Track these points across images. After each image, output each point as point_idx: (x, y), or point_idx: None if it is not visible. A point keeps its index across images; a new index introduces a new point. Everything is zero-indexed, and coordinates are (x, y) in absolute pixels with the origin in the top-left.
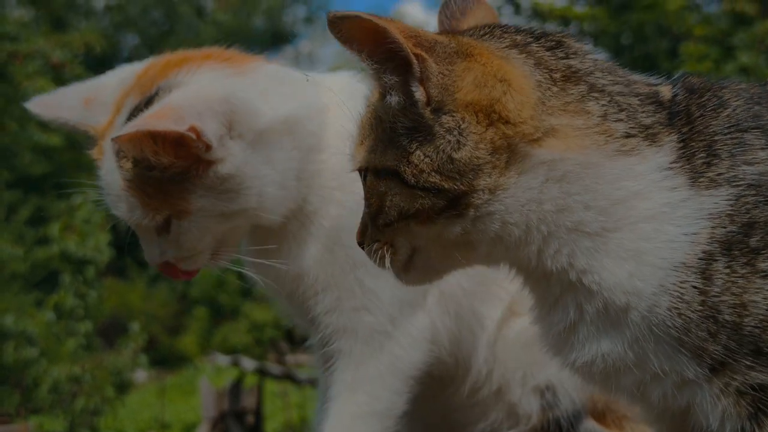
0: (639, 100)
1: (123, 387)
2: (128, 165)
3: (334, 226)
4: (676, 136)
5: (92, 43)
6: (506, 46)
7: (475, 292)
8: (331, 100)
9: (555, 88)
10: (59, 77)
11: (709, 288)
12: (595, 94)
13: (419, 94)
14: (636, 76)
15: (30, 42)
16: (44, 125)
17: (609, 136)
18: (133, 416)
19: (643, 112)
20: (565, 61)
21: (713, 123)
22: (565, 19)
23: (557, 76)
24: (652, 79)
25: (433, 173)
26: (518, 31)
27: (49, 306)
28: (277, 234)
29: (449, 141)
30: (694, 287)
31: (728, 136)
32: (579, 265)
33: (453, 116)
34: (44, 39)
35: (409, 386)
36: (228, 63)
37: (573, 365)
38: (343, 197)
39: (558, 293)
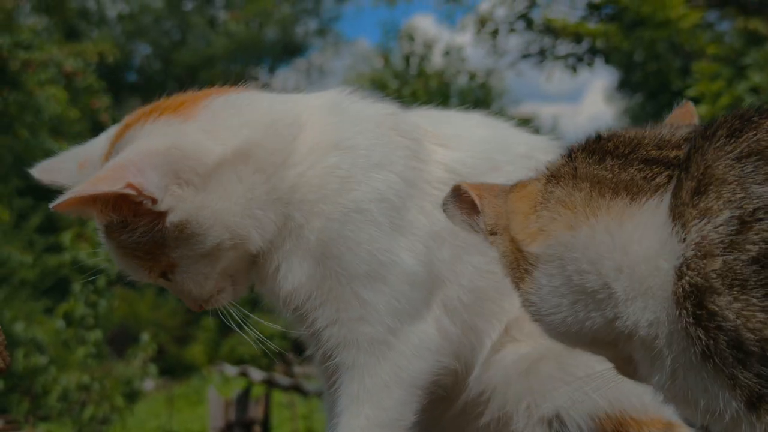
0: (603, 161)
1: (132, 396)
2: (103, 232)
3: (322, 239)
4: (674, 176)
5: (105, 52)
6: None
7: (474, 307)
8: (310, 117)
9: (545, 196)
10: (71, 86)
11: (719, 323)
12: (568, 180)
13: (482, 223)
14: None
15: (43, 50)
16: (57, 132)
17: (569, 209)
18: (140, 425)
19: (626, 172)
20: (561, 167)
21: (722, 149)
22: (577, 36)
23: (548, 181)
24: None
25: None
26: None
27: (59, 314)
28: (271, 254)
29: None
30: (697, 321)
31: (742, 161)
32: (625, 316)
33: (499, 236)
34: (57, 48)
35: (417, 396)
36: (174, 112)
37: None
38: (327, 208)
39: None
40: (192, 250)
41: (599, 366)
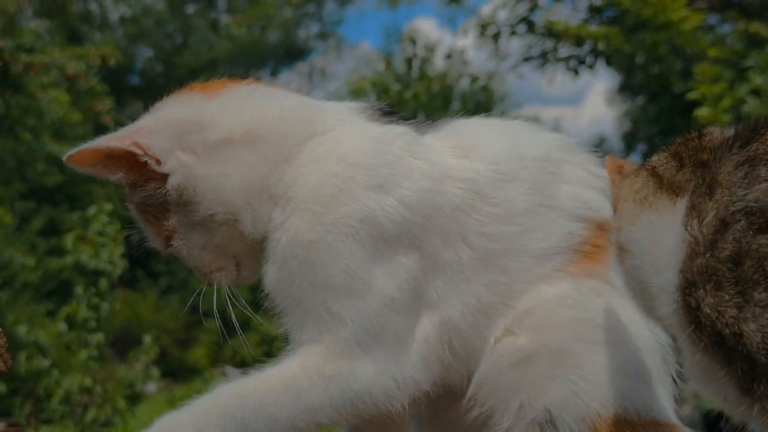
0: (674, 160)
1: (134, 399)
2: (126, 196)
3: (300, 241)
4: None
5: (108, 55)
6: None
7: (481, 320)
8: (328, 124)
9: (634, 187)
10: (74, 89)
11: (699, 317)
12: (647, 176)
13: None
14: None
15: (45, 54)
16: (59, 136)
17: (637, 203)
18: (142, 427)
19: (679, 173)
20: (651, 161)
21: (731, 157)
22: (579, 39)
23: None
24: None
25: None
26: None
27: (61, 317)
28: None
29: None
30: (687, 316)
31: (738, 167)
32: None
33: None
34: (59, 51)
35: (344, 415)
36: (199, 90)
37: None
38: (317, 208)
39: None
40: (187, 217)
41: (595, 368)
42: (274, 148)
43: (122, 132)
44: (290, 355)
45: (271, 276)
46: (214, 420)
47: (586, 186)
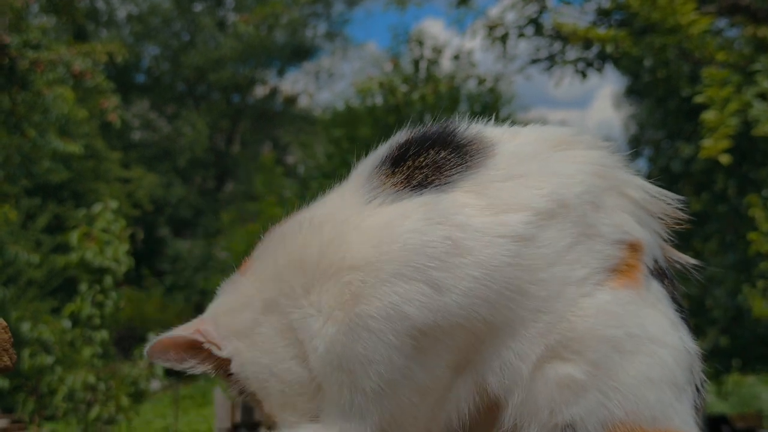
0: None
1: (138, 396)
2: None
3: (332, 351)
4: None
5: (114, 52)
6: None
7: (516, 370)
8: (337, 234)
9: None
10: (80, 86)
11: None
12: None
13: None
14: None
15: (52, 50)
16: (64, 133)
17: None
18: (146, 426)
19: None
20: None
21: None
22: (587, 41)
23: None
24: None
25: None
26: None
27: (65, 314)
28: None
29: None
30: None
31: None
32: None
33: None
34: (66, 48)
35: None
36: (242, 268)
37: None
38: (341, 316)
39: None
40: (269, 396)
41: (627, 377)
42: (289, 298)
43: (192, 322)
44: (311, 427)
45: (313, 363)
46: None
47: (620, 211)
